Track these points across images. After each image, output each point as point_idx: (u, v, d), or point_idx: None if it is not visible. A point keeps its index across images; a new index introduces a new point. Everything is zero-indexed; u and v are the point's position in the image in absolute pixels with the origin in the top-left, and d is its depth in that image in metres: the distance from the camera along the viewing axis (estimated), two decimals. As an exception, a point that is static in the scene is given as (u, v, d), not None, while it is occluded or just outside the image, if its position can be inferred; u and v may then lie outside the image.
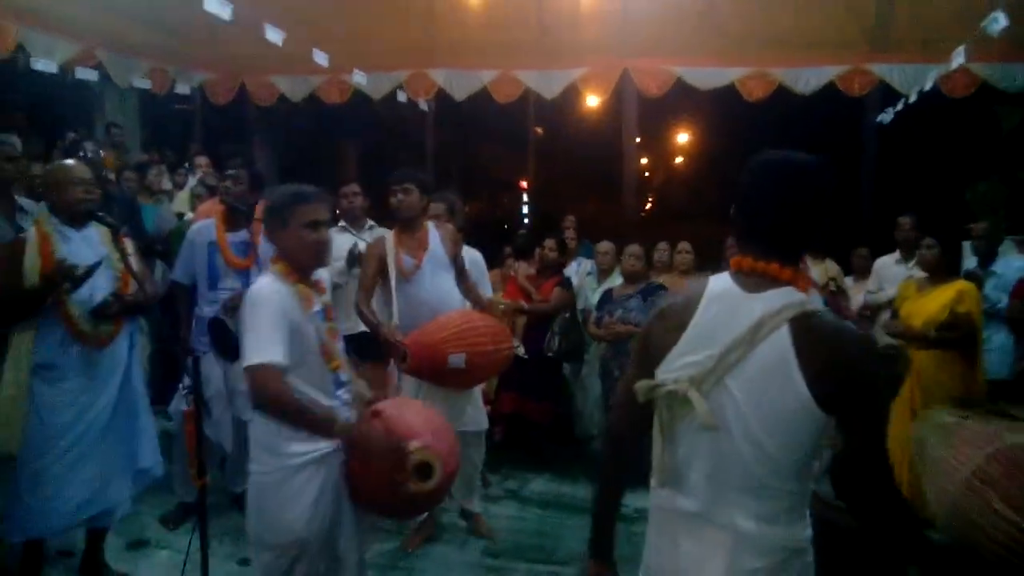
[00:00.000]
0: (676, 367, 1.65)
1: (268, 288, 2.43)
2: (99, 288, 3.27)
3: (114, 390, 3.38)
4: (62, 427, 3.22)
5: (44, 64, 6.33)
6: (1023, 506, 3.02)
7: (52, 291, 3.15)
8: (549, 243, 5.56)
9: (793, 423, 1.58)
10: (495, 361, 3.81)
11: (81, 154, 5.36)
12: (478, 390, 4.18)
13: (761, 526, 1.62)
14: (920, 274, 4.76)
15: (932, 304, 4.45)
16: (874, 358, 1.76)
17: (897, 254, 5.56)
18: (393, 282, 3.92)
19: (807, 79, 6.74)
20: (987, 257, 5.32)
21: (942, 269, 4.50)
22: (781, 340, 1.57)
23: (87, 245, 3.31)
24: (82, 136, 7.29)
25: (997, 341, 4.89)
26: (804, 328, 1.57)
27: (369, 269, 3.98)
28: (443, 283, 4.00)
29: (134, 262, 3.38)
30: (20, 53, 6.21)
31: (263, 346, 2.30)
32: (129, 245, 3.43)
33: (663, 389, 1.65)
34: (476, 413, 4.15)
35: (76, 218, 3.31)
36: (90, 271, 3.19)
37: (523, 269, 5.70)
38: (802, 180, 1.63)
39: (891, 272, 5.44)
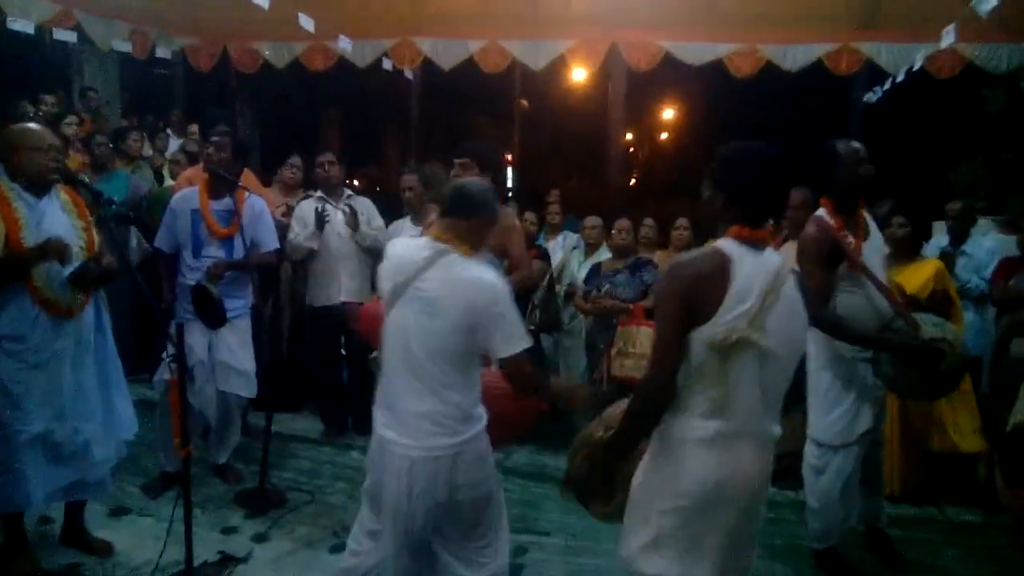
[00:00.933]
0: (730, 318, 2.04)
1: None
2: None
3: (86, 360, 3.30)
4: (32, 402, 3.14)
5: (21, 24, 6.16)
6: None
7: (37, 263, 3.08)
8: (529, 216, 5.56)
9: (802, 345, 2.27)
10: None
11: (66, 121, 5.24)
12: None
13: (776, 427, 2.20)
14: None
15: (914, 280, 4.50)
16: None
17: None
18: None
19: (794, 56, 6.71)
20: (959, 237, 5.37)
21: (909, 248, 4.56)
22: (792, 284, 2.17)
23: (52, 213, 3.21)
24: (55, 102, 7.09)
25: (965, 320, 4.94)
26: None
27: None
28: None
29: (93, 231, 3.32)
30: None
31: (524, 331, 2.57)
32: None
33: (735, 336, 2.03)
34: None
35: (39, 185, 3.19)
36: (78, 251, 3.15)
37: None
38: (786, 168, 2.19)
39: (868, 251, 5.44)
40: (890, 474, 4.60)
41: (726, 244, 2.13)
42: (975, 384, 4.69)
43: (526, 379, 2.59)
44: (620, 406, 2.34)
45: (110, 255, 3.38)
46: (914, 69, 6.57)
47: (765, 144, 2.19)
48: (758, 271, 2.10)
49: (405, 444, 2.50)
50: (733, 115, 9.20)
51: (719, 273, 2.07)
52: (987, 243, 5.45)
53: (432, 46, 7.43)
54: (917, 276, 4.52)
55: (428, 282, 2.50)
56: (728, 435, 2.11)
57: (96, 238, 3.33)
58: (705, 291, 2.06)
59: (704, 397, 2.10)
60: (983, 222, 5.87)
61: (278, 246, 4.52)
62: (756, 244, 2.14)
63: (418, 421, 2.50)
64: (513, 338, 2.50)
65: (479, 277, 2.51)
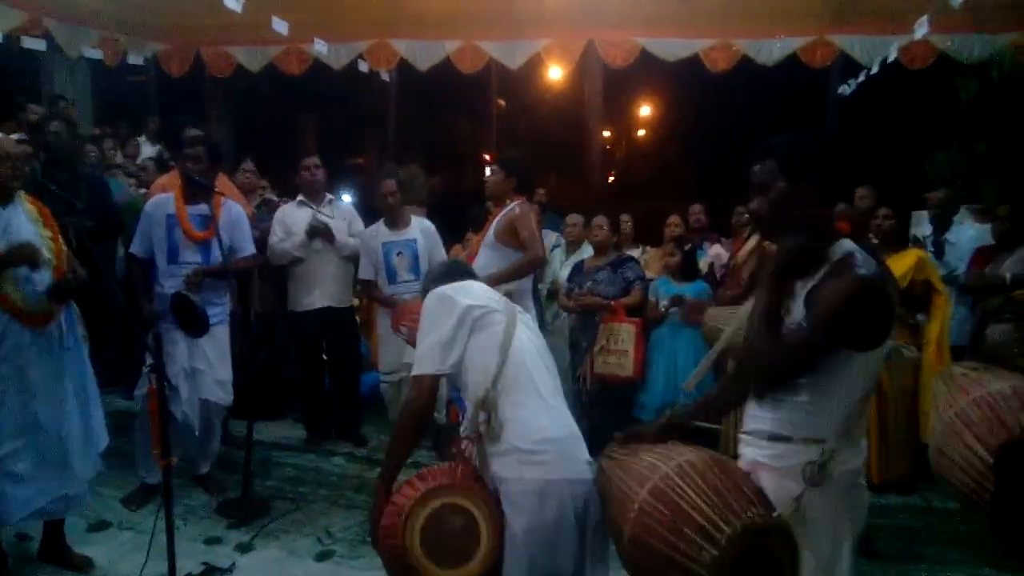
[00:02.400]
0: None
1: None
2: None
3: (59, 372, 3.24)
4: (5, 415, 3.09)
5: (-13, 33, 6.08)
6: (989, 443, 3.15)
7: (5, 270, 3.03)
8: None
9: None
10: None
11: (51, 129, 5.17)
12: None
13: None
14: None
15: (893, 270, 4.54)
16: None
17: None
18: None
19: (770, 50, 6.77)
20: (942, 226, 5.42)
21: (895, 238, 4.61)
22: None
23: (18, 221, 3.15)
24: (52, 113, 6.99)
25: (958, 314, 4.97)
26: None
27: None
28: (480, 260, 4.10)
29: (60, 242, 3.26)
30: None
31: None
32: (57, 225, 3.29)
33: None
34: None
35: (1, 193, 3.13)
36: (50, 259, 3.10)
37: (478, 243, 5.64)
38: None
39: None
40: (870, 463, 4.65)
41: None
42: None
43: None
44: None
45: (80, 266, 3.32)
46: (888, 61, 6.63)
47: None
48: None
49: (587, 464, 2.32)
50: (710, 111, 9.24)
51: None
52: (970, 231, 5.50)
53: (408, 47, 7.42)
54: (897, 267, 4.56)
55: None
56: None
57: (64, 248, 3.27)
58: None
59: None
60: (960, 210, 5.94)
61: (255, 251, 4.47)
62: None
63: (579, 439, 2.37)
64: None
65: None
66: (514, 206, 4.16)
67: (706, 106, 9.55)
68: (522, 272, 4.14)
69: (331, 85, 8.57)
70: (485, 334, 2.28)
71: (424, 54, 7.38)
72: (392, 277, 4.79)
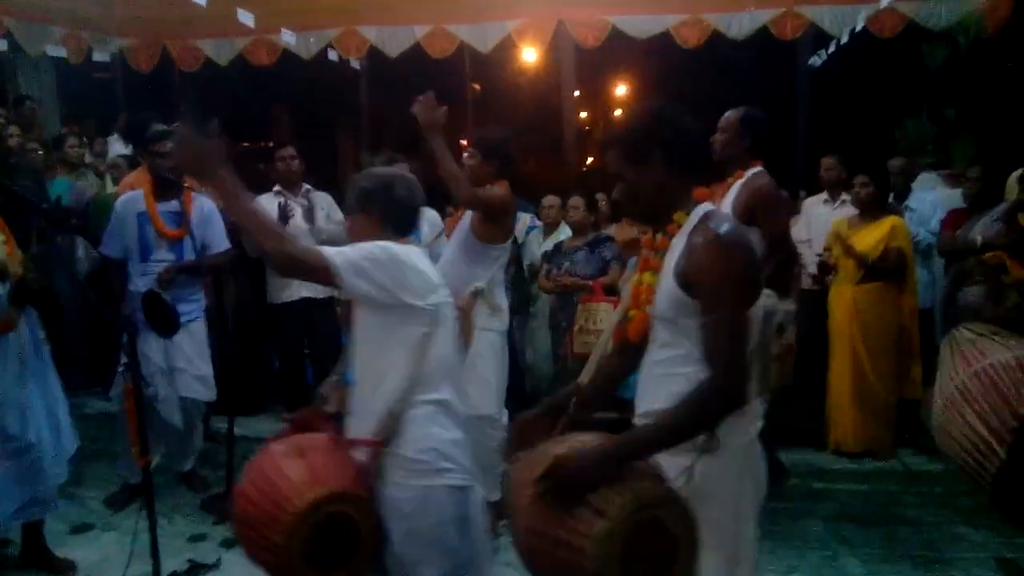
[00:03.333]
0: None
1: None
2: None
3: (24, 378, 3.20)
4: None
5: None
6: (990, 422, 3.16)
7: None
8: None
9: None
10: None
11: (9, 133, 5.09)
12: (487, 373, 3.79)
13: None
14: (849, 211, 4.89)
15: (867, 239, 4.58)
16: None
17: (824, 194, 5.67)
18: None
19: (739, 24, 6.77)
20: (902, 192, 5.46)
21: (875, 206, 4.63)
22: None
23: None
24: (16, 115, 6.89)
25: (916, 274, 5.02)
26: None
27: None
28: (451, 250, 3.80)
29: (14, 247, 3.21)
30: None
31: None
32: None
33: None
34: (477, 396, 3.63)
35: None
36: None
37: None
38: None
39: (819, 212, 5.52)
40: (847, 429, 4.71)
41: (714, 211, 1.85)
42: (928, 336, 4.79)
43: None
44: (581, 440, 1.79)
45: (33, 270, 3.27)
46: (856, 30, 6.64)
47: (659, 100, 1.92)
48: None
49: (472, 479, 2.27)
50: (684, 87, 9.21)
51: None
52: (930, 196, 5.56)
53: (377, 34, 7.37)
54: (871, 236, 4.60)
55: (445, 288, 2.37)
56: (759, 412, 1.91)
57: (17, 252, 3.22)
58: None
59: (758, 384, 1.82)
60: (929, 176, 5.97)
61: (229, 246, 4.43)
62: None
63: (467, 449, 2.31)
64: None
65: None
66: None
67: (680, 82, 9.52)
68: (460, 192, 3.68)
69: (302, 75, 8.49)
70: (406, 332, 2.18)
71: (393, 40, 7.33)
72: None
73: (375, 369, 2.20)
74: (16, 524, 3.37)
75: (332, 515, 2.04)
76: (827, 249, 4.86)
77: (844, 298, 4.69)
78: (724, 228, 1.73)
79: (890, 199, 5.14)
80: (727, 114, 3.58)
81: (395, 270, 2.15)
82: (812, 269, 4.94)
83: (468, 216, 3.74)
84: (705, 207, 1.81)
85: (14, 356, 3.16)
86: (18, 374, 3.17)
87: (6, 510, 3.16)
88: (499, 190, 3.68)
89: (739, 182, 3.46)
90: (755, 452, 1.85)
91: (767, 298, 1.82)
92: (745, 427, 1.81)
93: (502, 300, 3.92)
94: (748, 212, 3.33)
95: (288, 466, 2.10)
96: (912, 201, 5.44)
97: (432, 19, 7.19)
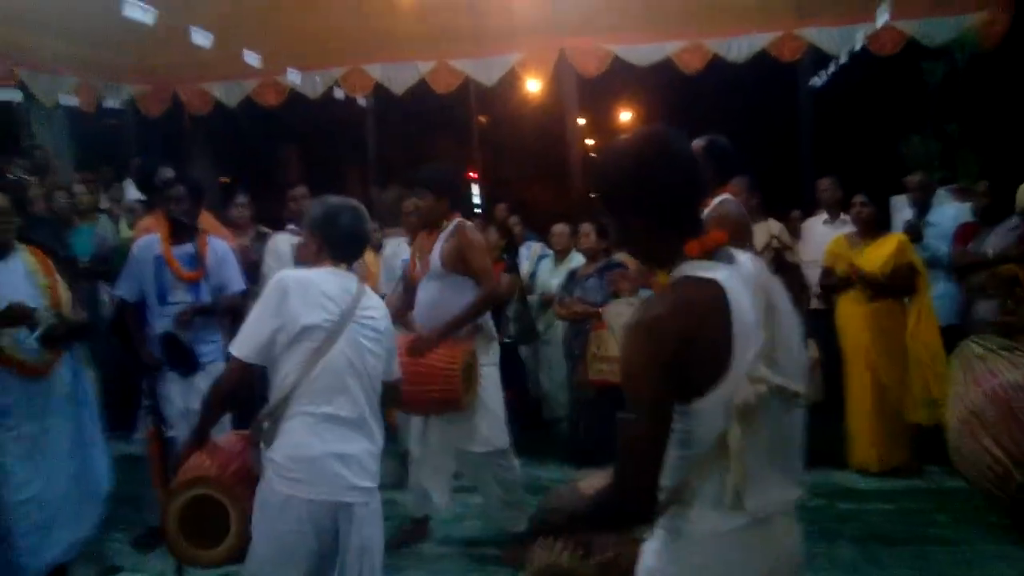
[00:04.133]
0: (743, 369, 1.44)
1: None
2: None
3: (64, 421, 3.27)
4: (17, 466, 3.12)
5: (-41, 86, 6.10)
6: (1006, 445, 3.13)
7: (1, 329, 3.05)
8: (489, 232, 5.63)
9: (804, 354, 1.64)
10: (411, 399, 3.37)
11: (10, 177, 5.17)
12: (494, 406, 3.84)
13: (799, 488, 1.60)
14: (846, 230, 4.93)
15: (873, 257, 4.60)
16: None
17: (824, 215, 5.69)
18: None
19: (739, 47, 6.83)
20: (923, 207, 5.48)
21: (874, 225, 4.67)
22: (782, 291, 1.58)
23: (12, 276, 3.19)
24: (8, 160, 7.02)
25: (940, 289, 5.03)
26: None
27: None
28: (429, 291, 3.77)
29: (61, 289, 3.28)
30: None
31: None
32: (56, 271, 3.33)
33: (768, 385, 1.44)
34: (489, 431, 3.78)
35: None
36: (43, 314, 3.12)
37: None
38: (685, 152, 1.60)
39: (819, 232, 5.54)
40: (869, 449, 4.68)
41: (699, 267, 1.51)
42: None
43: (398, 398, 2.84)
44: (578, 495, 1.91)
45: (80, 310, 3.35)
46: (856, 49, 6.71)
47: (637, 136, 1.65)
48: (747, 290, 1.50)
49: (363, 488, 2.37)
50: (687, 111, 9.30)
51: (715, 311, 1.46)
52: (950, 211, 5.55)
53: (383, 71, 7.47)
54: (877, 254, 4.62)
55: (369, 310, 2.49)
56: (762, 521, 1.52)
57: (64, 295, 3.29)
58: (702, 342, 1.44)
59: (731, 478, 1.47)
60: (939, 192, 5.99)
61: (244, 287, 4.48)
62: (720, 253, 1.55)
63: (371, 458, 2.43)
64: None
65: (383, 305, 2.66)
66: (453, 228, 3.74)
67: (683, 107, 9.63)
68: (481, 311, 3.79)
69: (310, 114, 8.62)
70: (299, 348, 2.35)
71: (399, 77, 7.43)
72: None
73: (274, 379, 2.42)
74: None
75: (198, 497, 2.40)
76: (828, 268, 4.87)
77: (857, 316, 4.69)
78: (644, 311, 1.50)
79: (913, 214, 5.18)
80: (692, 144, 3.61)
81: (280, 304, 2.37)
82: (818, 289, 4.96)
83: (436, 257, 3.72)
84: (683, 269, 1.53)
85: (55, 396, 3.24)
86: (57, 416, 3.25)
87: (50, 553, 3.19)
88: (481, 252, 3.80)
89: (706, 211, 3.39)
90: (733, 548, 1.52)
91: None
92: (715, 517, 1.50)
93: (492, 328, 4.03)
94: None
95: (194, 457, 2.50)
96: (933, 216, 5.44)
97: (436, 55, 7.29)
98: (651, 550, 1.62)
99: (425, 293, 3.79)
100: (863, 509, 4.28)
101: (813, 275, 5.10)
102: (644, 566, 1.63)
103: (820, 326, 4.85)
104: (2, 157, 6.95)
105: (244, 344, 2.40)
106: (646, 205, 1.54)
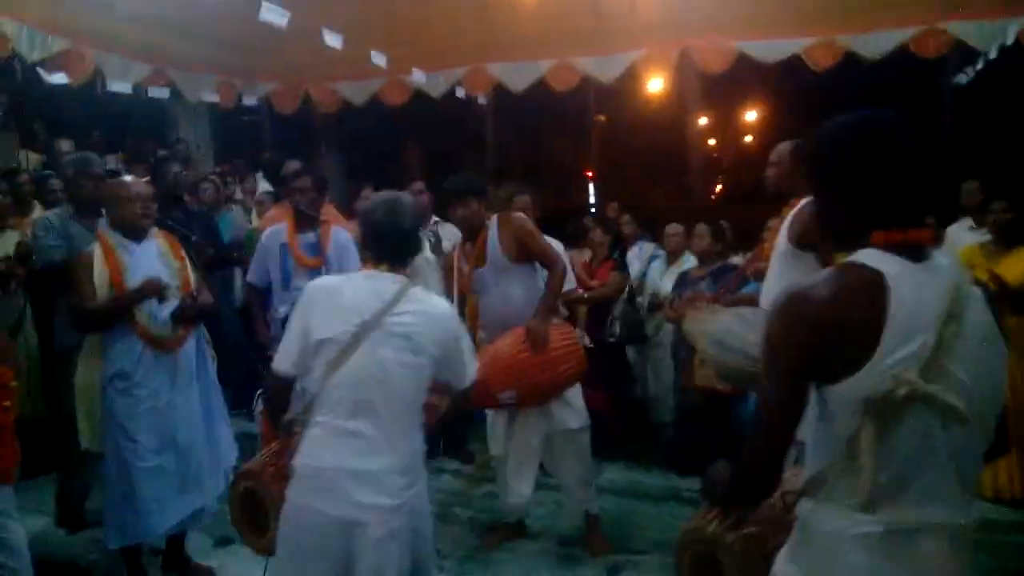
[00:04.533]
0: (890, 364, 1.40)
1: None
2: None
3: (191, 393, 3.49)
4: (146, 435, 3.34)
5: (119, 86, 6.63)
6: None
7: (138, 303, 3.30)
8: (596, 230, 5.57)
9: (1002, 386, 1.54)
10: (552, 386, 3.66)
11: (174, 170, 5.60)
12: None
13: (973, 511, 1.53)
14: (982, 238, 4.56)
15: (1012, 271, 4.23)
16: None
17: (969, 221, 5.28)
18: (455, 293, 3.93)
19: (876, 43, 6.44)
20: None
21: (1012, 235, 4.29)
22: (980, 303, 1.49)
23: (148, 257, 3.43)
24: (168, 155, 7.61)
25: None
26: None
27: (447, 285, 4.02)
28: (506, 287, 3.83)
29: (191, 273, 3.52)
30: (97, 77, 6.50)
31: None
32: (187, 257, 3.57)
33: (903, 390, 1.39)
34: (579, 404, 3.89)
35: (134, 232, 3.42)
36: (175, 290, 3.38)
37: (576, 257, 5.63)
38: (919, 134, 1.51)
39: (964, 240, 5.15)
40: (1007, 475, 4.32)
41: (872, 256, 1.47)
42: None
43: (468, 402, 2.66)
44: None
45: (207, 293, 3.58)
46: (1007, 44, 6.19)
47: (872, 111, 1.54)
48: (927, 292, 1.44)
49: (380, 506, 2.25)
50: (816, 111, 8.90)
51: (866, 300, 1.43)
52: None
53: (503, 70, 7.53)
54: (1019, 266, 4.25)
55: (404, 316, 2.31)
56: (904, 531, 1.47)
57: (192, 276, 3.53)
58: (846, 328, 1.43)
59: (861, 479, 1.45)
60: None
61: None
62: (917, 252, 1.48)
63: (392, 475, 2.27)
64: (470, 367, 2.53)
65: (446, 308, 2.48)
66: (495, 221, 3.85)
67: (812, 107, 9.20)
68: (561, 287, 3.89)
69: (432, 112, 8.82)
70: (318, 361, 2.33)
71: (518, 76, 7.47)
72: None
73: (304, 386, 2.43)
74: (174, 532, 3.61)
75: (247, 488, 2.61)
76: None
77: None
78: (797, 286, 1.51)
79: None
80: (779, 147, 3.63)
81: (303, 316, 2.38)
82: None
83: (497, 252, 3.81)
84: (859, 256, 1.50)
85: (184, 371, 3.46)
86: (185, 389, 3.47)
87: (169, 520, 3.41)
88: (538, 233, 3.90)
89: (791, 212, 3.37)
90: (859, 554, 1.48)
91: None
92: (844, 517, 1.49)
93: None
94: (799, 239, 3.21)
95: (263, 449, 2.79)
96: None
97: (556, 54, 7.29)
98: (785, 546, 1.64)
99: (493, 292, 3.84)
100: (997, 541, 3.94)
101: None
102: (776, 560, 1.65)
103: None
104: (161, 154, 7.55)
105: (280, 359, 2.39)
106: (849, 182, 1.52)
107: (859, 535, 1.48)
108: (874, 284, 1.43)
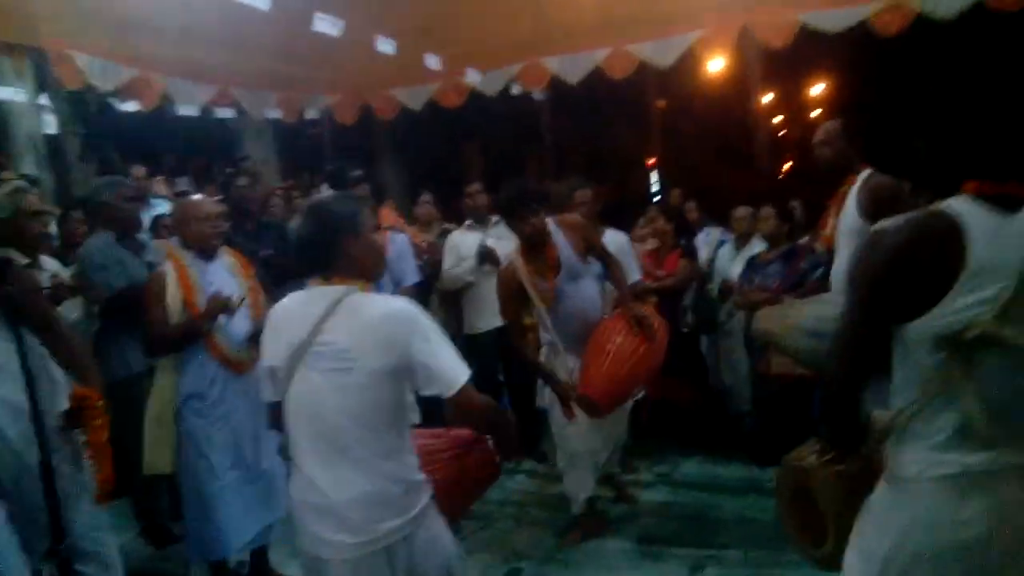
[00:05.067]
0: (963, 306, 1.48)
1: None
2: (235, 315, 3.45)
3: (262, 411, 3.51)
4: (221, 454, 3.40)
5: (187, 109, 6.85)
6: None
7: (211, 322, 3.36)
8: (659, 219, 5.45)
9: None
10: (656, 365, 3.72)
11: (237, 185, 5.78)
12: None
13: None
14: None
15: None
16: None
17: None
18: (541, 308, 3.78)
19: (948, 2, 6.08)
20: None
21: None
22: None
23: (220, 275, 3.50)
24: (235, 171, 7.83)
25: None
26: None
27: (510, 306, 3.81)
28: (585, 290, 3.81)
29: (259, 291, 3.59)
30: (166, 102, 6.72)
31: (460, 362, 2.16)
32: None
33: (975, 330, 1.47)
34: None
35: (206, 251, 3.50)
36: (242, 301, 3.42)
37: (641, 247, 5.49)
38: (1003, 91, 1.61)
39: None
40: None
41: (957, 204, 1.54)
42: None
43: (482, 414, 2.21)
44: None
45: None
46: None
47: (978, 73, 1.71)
48: (1011, 239, 1.50)
49: (339, 543, 2.07)
50: (890, 79, 8.51)
51: (944, 243, 1.50)
52: None
53: (558, 63, 7.44)
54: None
55: (334, 333, 2.08)
56: (984, 471, 1.52)
57: (261, 297, 3.58)
58: (920, 268, 1.51)
59: (940, 418, 1.54)
60: None
61: (419, 279, 4.68)
62: (1008, 203, 1.53)
63: (350, 510, 2.07)
64: (452, 369, 2.08)
65: (389, 308, 2.12)
66: (554, 226, 3.77)
67: (883, 74, 8.81)
68: (626, 276, 4.06)
69: (488, 111, 8.81)
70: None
71: (574, 68, 7.36)
72: None
73: None
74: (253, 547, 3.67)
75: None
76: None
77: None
78: (882, 225, 1.61)
79: None
80: (826, 126, 3.67)
81: (263, 344, 2.28)
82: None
83: (572, 255, 3.78)
84: (947, 203, 1.58)
85: (250, 390, 3.44)
86: (257, 408, 3.49)
87: (247, 535, 3.48)
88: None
89: (854, 188, 3.42)
90: (941, 495, 1.54)
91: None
92: (925, 458, 1.56)
93: None
94: (874, 212, 3.16)
95: None
96: None
97: (612, 41, 7.15)
98: (876, 486, 1.69)
99: (572, 298, 3.76)
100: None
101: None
102: (868, 500, 1.70)
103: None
104: (227, 171, 7.77)
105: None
106: (964, 142, 1.60)
107: (942, 476, 1.54)
108: (952, 228, 1.51)
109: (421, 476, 2.19)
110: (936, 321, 1.50)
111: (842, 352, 1.65)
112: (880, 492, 1.67)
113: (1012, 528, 1.51)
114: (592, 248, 3.82)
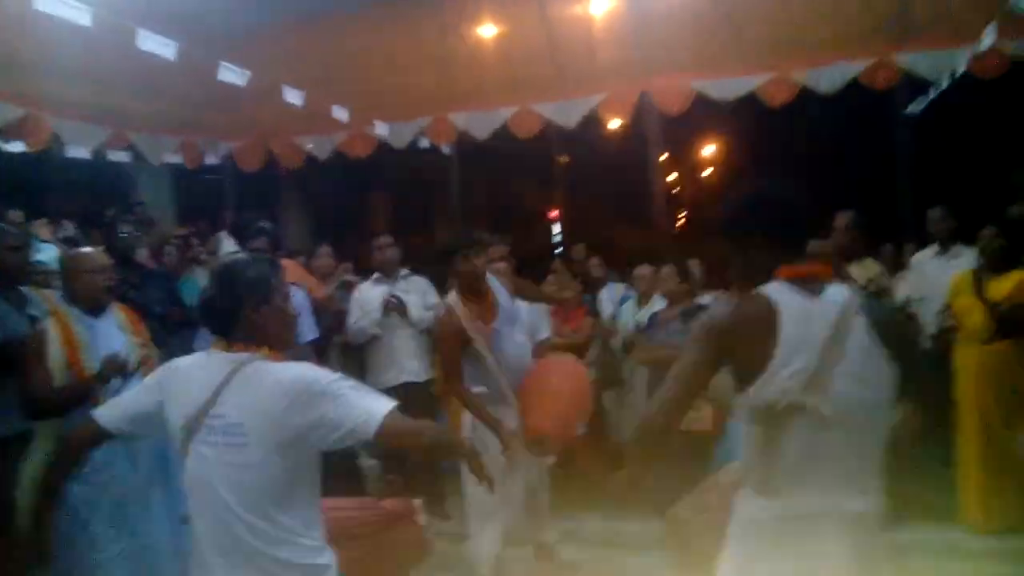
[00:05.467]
0: (781, 379, 1.76)
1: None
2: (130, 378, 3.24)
3: (150, 480, 3.32)
4: (104, 524, 3.18)
5: (77, 151, 6.53)
6: None
7: (104, 386, 3.14)
8: (561, 273, 5.58)
9: (884, 397, 1.84)
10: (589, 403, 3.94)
11: (121, 234, 5.52)
12: None
13: (868, 501, 1.81)
14: (964, 264, 4.61)
15: (1000, 288, 4.26)
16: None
17: (936, 247, 5.36)
18: (481, 349, 3.75)
19: (829, 78, 6.57)
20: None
21: (1007, 259, 4.32)
22: (862, 328, 1.80)
23: (108, 332, 3.31)
24: (118, 216, 7.47)
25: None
26: (869, 314, 1.84)
27: (451, 349, 3.75)
28: (518, 334, 3.95)
29: (151, 347, 3.42)
30: (54, 143, 6.39)
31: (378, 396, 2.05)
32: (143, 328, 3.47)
33: (784, 402, 1.75)
34: None
35: (95, 306, 3.31)
36: (140, 365, 3.23)
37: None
38: (798, 191, 1.98)
39: (931, 266, 5.22)
40: (981, 506, 4.30)
41: (772, 288, 1.85)
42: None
43: (415, 437, 2.13)
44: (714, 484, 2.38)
45: None
46: (957, 75, 6.35)
47: (766, 181, 2.05)
48: (815, 319, 1.79)
49: None
50: (774, 143, 9.05)
51: (763, 323, 1.78)
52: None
53: (465, 119, 7.55)
54: (1004, 285, 4.29)
55: (227, 406, 1.96)
56: (795, 518, 1.81)
57: (153, 353, 3.40)
58: (742, 343, 1.81)
59: (760, 470, 1.86)
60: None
61: (316, 336, 4.59)
62: (810, 284, 1.85)
63: None
64: (368, 407, 1.96)
65: (288, 375, 1.99)
66: (489, 275, 3.91)
67: (771, 139, 9.37)
68: None
69: (395, 163, 8.82)
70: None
71: (481, 124, 7.49)
72: None
73: None
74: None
75: None
76: (948, 306, 4.55)
77: (971, 359, 4.34)
78: (710, 310, 2.07)
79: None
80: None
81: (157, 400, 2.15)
82: (931, 329, 4.63)
83: (509, 301, 3.92)
84: (765, 288, 1.89)
85: (141, 456, 3.29)
86: (144, 475, 3.30)
87: None
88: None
89: None
90: (767, 534, 1.83)
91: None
92: (756, 503, 1.87)
93: None
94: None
95: None
96: None
97: (518, 100, 7.33)
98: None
99: (509, 343, 3.84)
100: (976, 570, 3.94)
101: (926, 312, 4.79)
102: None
103: (931, 368, 4.52)
104: (112, 215, 7.41)
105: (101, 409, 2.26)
106: (773, 234, 1.92)
107: (769, 518, 1.83)
108: (769, 311, 1.80)
109: (324, 559, 2.02)
110: (761, 390, 1.78)
111: (668, 394, 1.85)
112: (729, 533, 1.94)
113: (830, 560, 1.77)
114: (523, 292, 4.03)
